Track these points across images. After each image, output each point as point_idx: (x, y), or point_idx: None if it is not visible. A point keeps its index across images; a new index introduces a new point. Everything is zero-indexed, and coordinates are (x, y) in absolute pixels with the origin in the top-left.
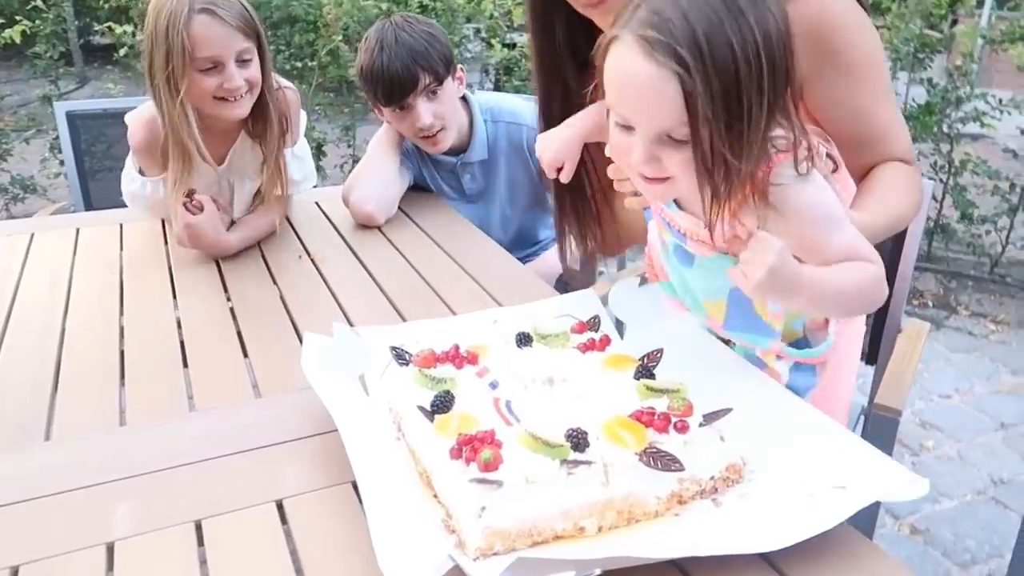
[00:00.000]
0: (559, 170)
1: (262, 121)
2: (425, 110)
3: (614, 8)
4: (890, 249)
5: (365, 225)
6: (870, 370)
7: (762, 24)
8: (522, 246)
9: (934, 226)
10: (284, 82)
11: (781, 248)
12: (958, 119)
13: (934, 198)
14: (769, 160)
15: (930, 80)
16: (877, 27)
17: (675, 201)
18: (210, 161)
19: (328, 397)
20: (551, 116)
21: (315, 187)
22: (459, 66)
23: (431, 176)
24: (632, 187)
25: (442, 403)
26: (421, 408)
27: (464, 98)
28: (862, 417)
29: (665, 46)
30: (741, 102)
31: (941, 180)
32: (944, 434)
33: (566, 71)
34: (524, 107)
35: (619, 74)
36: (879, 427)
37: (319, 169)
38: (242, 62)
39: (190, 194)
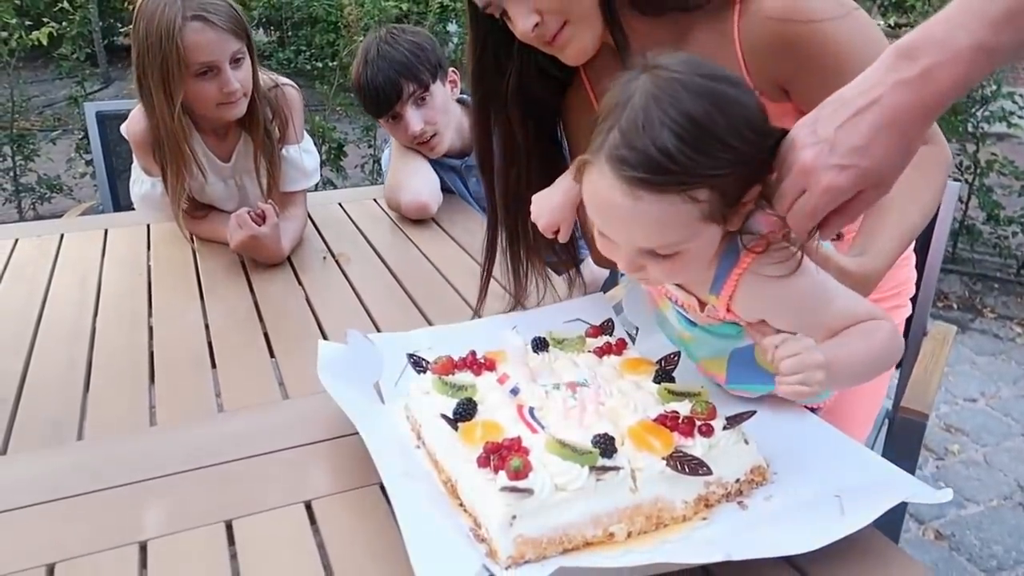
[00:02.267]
0: (556, 232)
1: (254, 119)
2: (414, 117)
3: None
4: (917, 250)
5: (418, 220)
6: (895, 373)
7: (733, 121)
8: None
9: (959, 227)
10: (283, 80)
11: (821, 359)
12: (984, 118)
13: (960, 199)
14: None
15: None
16: (901, 26)
17: None
18: (215, 163)
19: (346, 405)
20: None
21: (336, 188)
22: (451, 69)
23: (444, 177)
24: None
25: (465, 410)
26: (444, 416)
27: (461, 100)
28: (887, 421)
29: (639, 181)
30: (723, 191)
31: (967, 181)
32: (970, 438)
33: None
34: None
35: (597, 200)
36: (905, 431)
37: (340, 169)
38: (235, 62)
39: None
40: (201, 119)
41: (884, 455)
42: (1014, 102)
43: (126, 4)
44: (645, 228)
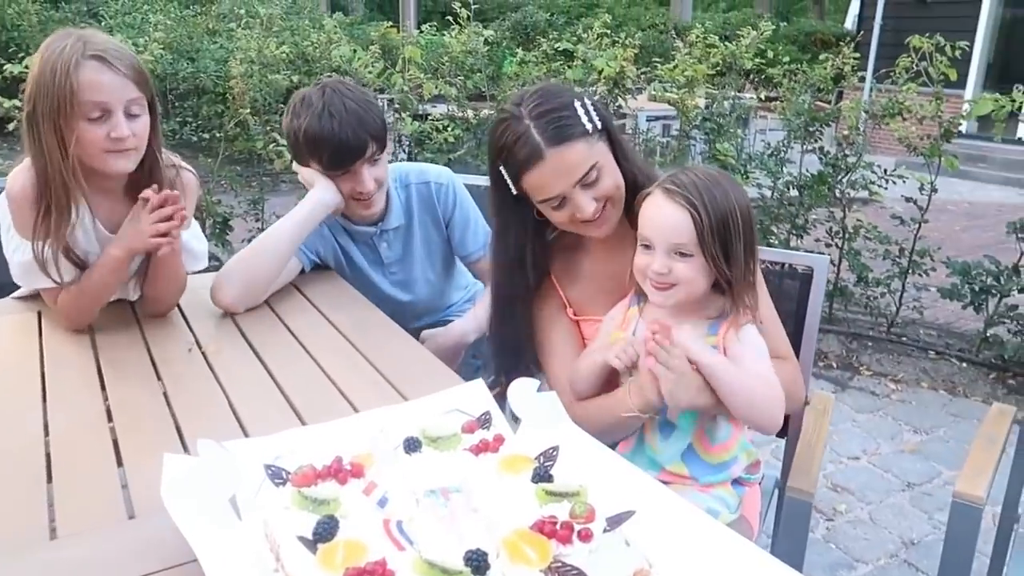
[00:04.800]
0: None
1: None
2: (368, 176)
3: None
4: (794, 316)
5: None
6: (781, 442)
7: (739, 200)
8: (442, 309)
9: (833, 289)
10: (183, 164)
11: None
12: (849, 185)
13: (832, 262)
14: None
15: (822, 148)
16: (772, 99)
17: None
18: (100, 232)
19: (191, 531)
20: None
21: (212, 269)
22: None
23: (350, 250)
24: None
25: (325, 530)
26: (301, 538)
27: None
28: (776, 490)
29: (681, 195)
30: (728, 236)
31: (837, 245)
32: (855, 497)
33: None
34: (427, 166)
35: (649, 211)
36: (792, 511)
37: (225, 243)
38: (131, 116)
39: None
40: (90, 176)
41: (775, 528)
42: (873, 171)
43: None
44: (679, 226)
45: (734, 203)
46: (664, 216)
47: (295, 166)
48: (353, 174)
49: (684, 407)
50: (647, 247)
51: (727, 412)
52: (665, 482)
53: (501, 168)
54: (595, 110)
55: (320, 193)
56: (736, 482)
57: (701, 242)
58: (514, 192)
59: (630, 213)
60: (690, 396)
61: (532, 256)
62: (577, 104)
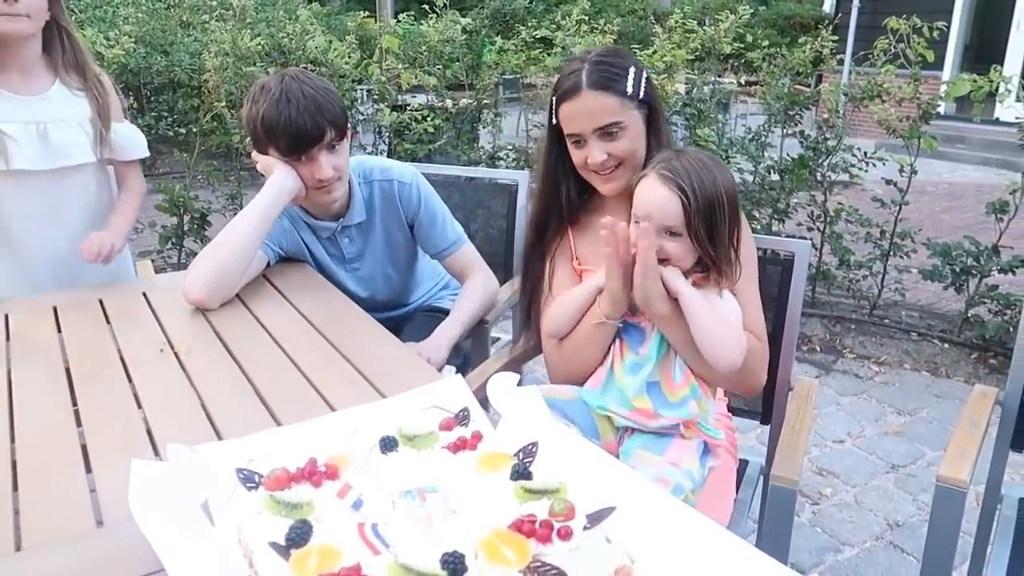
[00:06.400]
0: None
1: (71, 64)
2: (327, 162)
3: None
4: (776, 301)
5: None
6: (766, 428)
7: (726, 184)
8: (403, 305)
9: (816, 272)
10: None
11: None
12: (830, 168)
13: (814, 246)
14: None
15: (802, 132)
16: (752, 84)
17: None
18: (15, 100)
19: (159, 540)
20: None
21: (185, 266)
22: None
23: (312, 245)
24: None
25: (298, 535)
26: (274, 544)
27: None
28: (761, 477)
29: (674, 181)
30: (713, 219)
31: (819, 229)
32: (840, 480)
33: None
34: (391, 163)
35: (644, 192)
36: (778, 498)
37: (203, 239)
38: None
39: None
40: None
41: (761, 515)
42: (853, 154)
43: None
44: (670, 208)
45: (721, 188)
46: (657, 198)
47: (254, 155)
48: (311, 161)
49: (649, 302)
50: (638, 222)
51: (682, 340)
52: (633, 422)
53: (553, 99)
54: (645, 84)
55: (280, 178)
56: (706, 451)
57: (688, 224)
58: (554, 122)
59: None
60: (657, 290)
61: (567, 191)
62: (632, 70)
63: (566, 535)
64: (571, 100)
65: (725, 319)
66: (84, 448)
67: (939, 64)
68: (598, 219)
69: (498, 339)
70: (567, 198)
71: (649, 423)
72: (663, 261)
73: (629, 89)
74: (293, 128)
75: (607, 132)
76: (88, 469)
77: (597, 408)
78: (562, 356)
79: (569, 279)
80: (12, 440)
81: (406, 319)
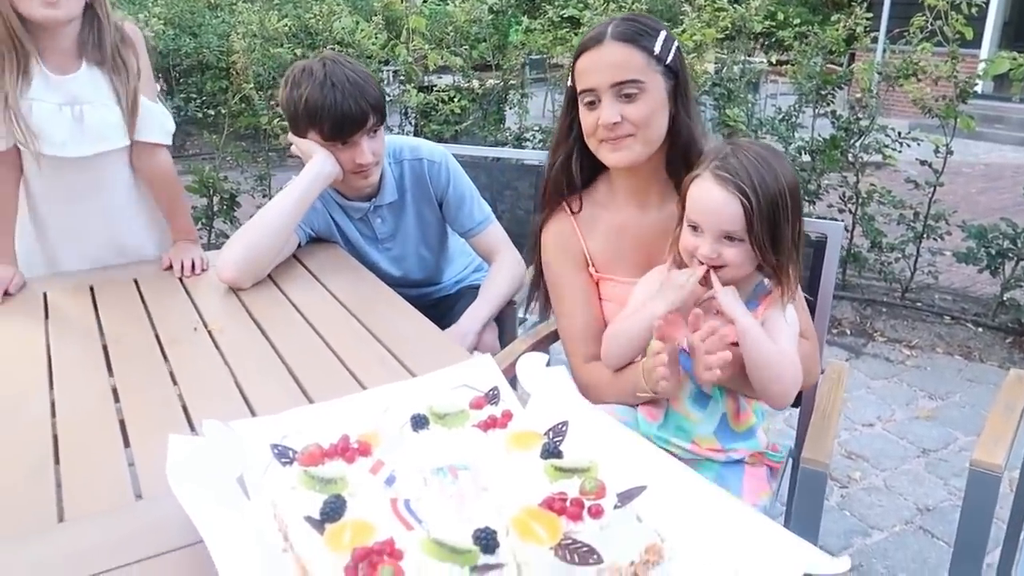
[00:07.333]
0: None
1: (98, 46)
2: (367, 147)
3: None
4: (808, 284)
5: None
6: (795, 411)
7: (788, 180)
8: (436, 283)
9: (847, 255)
10: (121, 20)
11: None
12: (862, 149)
13: (845, 228)
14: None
15: (834, 112)
16: (783, 63)
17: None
18: (49, 79)
19: (197, 513)
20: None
21: (218, 246)
22: None
23: (344, 225)
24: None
25: (333, 510)
26: (309, 518)
27: None
28: (790, 460)
29: (733, 182)
30: (776, 220)
31: (850, 211)
32: (870, 464)
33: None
34: (420, 142)
35: (700, 195)
36: (807, 481)
37: (232, 220)
38: None
39: None
40: (37, 33)
41: (789, 499)
42: (886, 135)
43: None
44: (730, 213)
45: (784, 185)
46: (715, 202)
47: (291, 137)
48: (352, 145)
49: (710, 381)
50: (695, 228)
51: (742, 384)
52: (694, 453)
53: (574, 60)
54: (675, 52)
55: (319, 163)
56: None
57: (750, 229)
58: (570, 83)
59: (670, 174)
60: (713, 379)
61: (577, 161)
62: (663, 33)
63: (597, 513)
64: (591, 49)
65: (782, 353)
66: (122, 423)
67: (977, 42)
68: (606, 216)
69: (525, 319)
70: (578, 172)
71: (716, 456)
72: (719, 268)
73: (657, 48)
74: (338, 112)
75: (625, 92)
76: (127, 444)
77: (656, 440)
78: (619, 387)
79: (588, 293)
80: (53, 415)
81: (446, 298)
